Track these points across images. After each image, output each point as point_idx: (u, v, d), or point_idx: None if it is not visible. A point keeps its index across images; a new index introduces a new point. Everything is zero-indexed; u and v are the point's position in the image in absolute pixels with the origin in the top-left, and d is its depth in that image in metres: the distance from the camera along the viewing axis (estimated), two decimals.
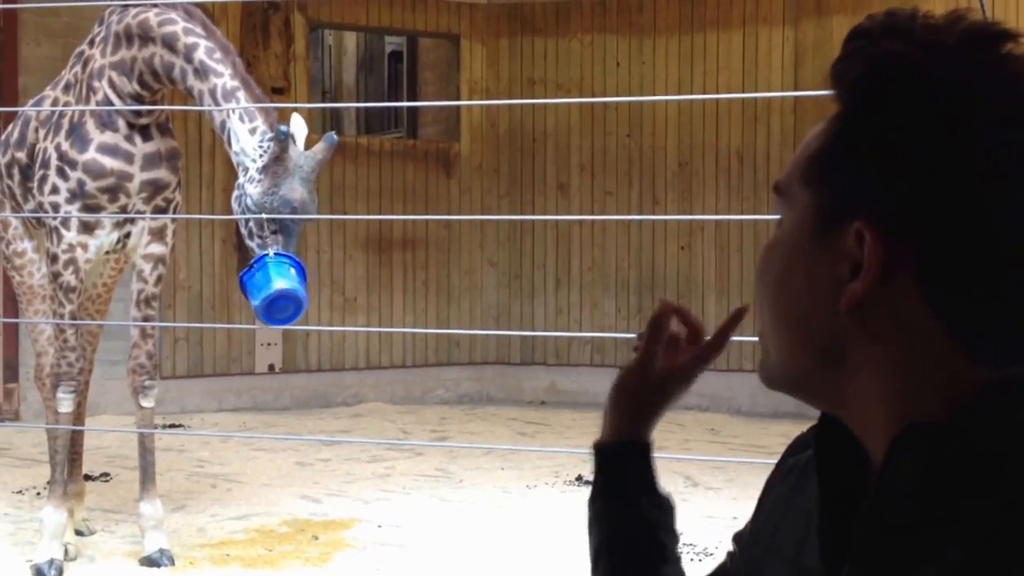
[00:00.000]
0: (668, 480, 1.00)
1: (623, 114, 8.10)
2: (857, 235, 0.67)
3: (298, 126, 3.89)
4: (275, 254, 3.74)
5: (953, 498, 0.63)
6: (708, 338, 0.98)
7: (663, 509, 0.99)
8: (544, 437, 6.84)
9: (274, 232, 3.75)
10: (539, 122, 8.24)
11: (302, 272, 3.82)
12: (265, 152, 3.77)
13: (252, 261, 3.78)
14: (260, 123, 3.85)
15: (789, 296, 0.72)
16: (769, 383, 0.75)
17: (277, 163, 3.75)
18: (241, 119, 3.86)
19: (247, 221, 3.80)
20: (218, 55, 3.96)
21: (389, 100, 9.82)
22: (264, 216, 3.74)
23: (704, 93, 7.94)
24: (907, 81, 0.67)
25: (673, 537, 1.00)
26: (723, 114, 7.91)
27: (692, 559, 4.25)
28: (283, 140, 3.74)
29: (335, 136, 3.97)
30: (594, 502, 1.00)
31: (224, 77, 3.90)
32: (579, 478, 5.60)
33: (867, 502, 0.67)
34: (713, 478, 5.58)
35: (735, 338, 0.98)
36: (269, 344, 7.49)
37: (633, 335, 1.04)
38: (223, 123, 3.91)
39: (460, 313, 8.21)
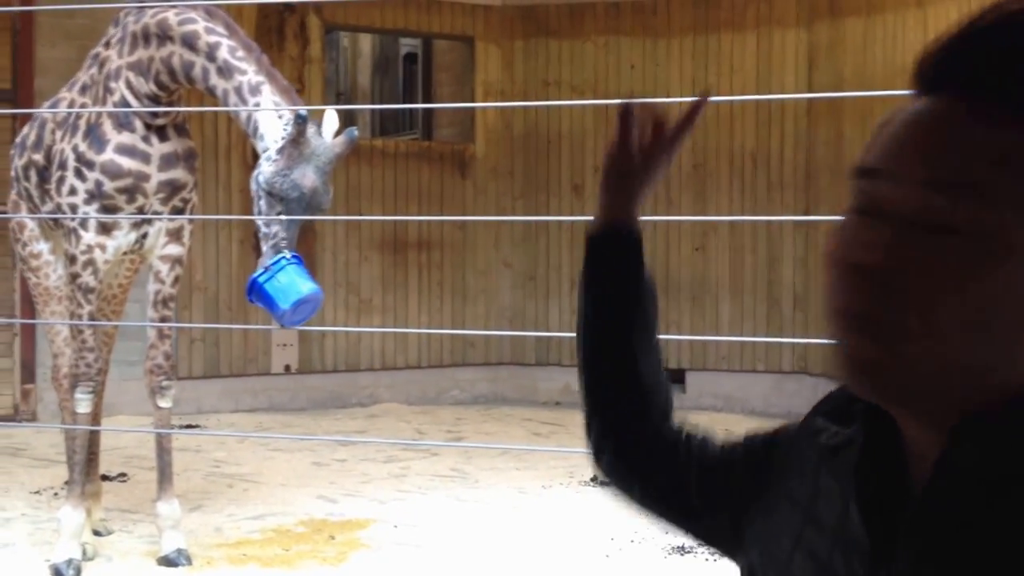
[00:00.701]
0: None
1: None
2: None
3: (330, 120, 3.91)
4: (293, 256, 3.76)
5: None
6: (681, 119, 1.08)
7: (646, 283, 1.10)
8: (559, 437, 6.84)
9: (279, 213, 3.77)
10: (554, 124, 8.25)
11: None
12: (286, 135, 3.80)
13: (268, 264, 3.77)
14: (287, 110, 3.87)
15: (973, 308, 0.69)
16: (918, 397, 0.71)
17: (294, 146, 3.76)
18: (269, 106, 3.88)
19: (258, 199, 3.82)
20: (241, 53, 3.97)
21: (404, 102, 9.85)
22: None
23: (718, 95, 7.94)
24: None
25: (652, 303, 1.11)
26: (737, 115, 7.91)
27: (707, 559, 4.25)
28: (301, 123, 3.75)
29: (355, 132, 3.98)
30: (584, 273, 1.11)
31: (248, 74, 3.93)
32: (594, 478, 5.60)
33: (934, 476, 0.70)
34: None
35: (749, 339, 0.99)
36: (285, 345, 7.52)
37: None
38: (249, 116, 3.93)
39: (475, 314, 8.22)
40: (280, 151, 3.77)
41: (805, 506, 0.84)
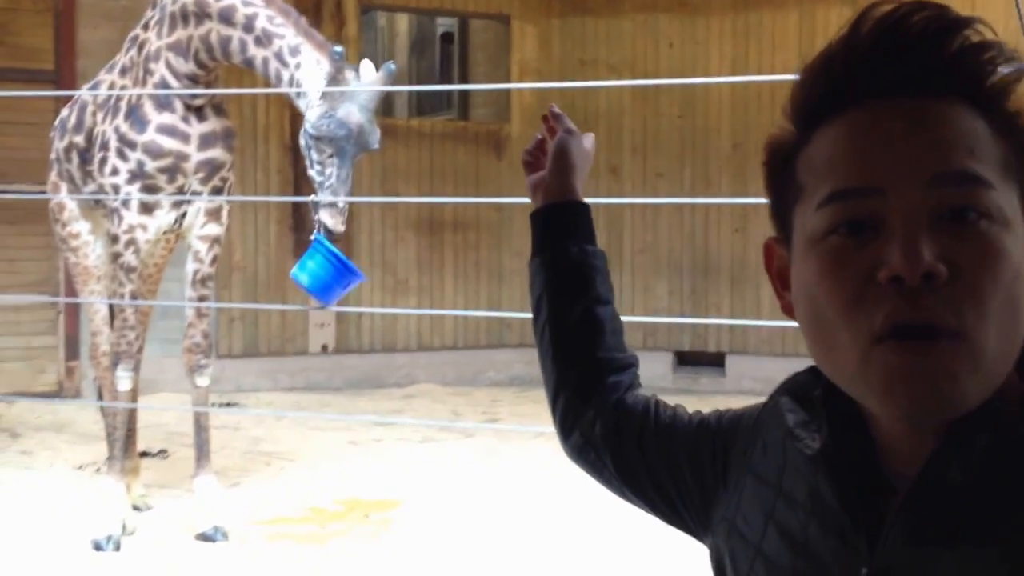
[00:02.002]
0: None
1: (676, 94, 8.02)
2: None
3: (367, 70, 3.93)
4: (316, 240, 3.82)
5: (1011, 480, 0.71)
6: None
7: (595, 255, 1.14)
8: None
9: (330, 156, 3.81)
10: (591, 103, 8.19)
11: (340, 264, 3.88)
12: (325, 76, 3.84)
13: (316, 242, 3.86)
14: (328, 65, 3.89)
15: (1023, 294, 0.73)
16: (969, 403, 0.72)
17: (335, 86, 3.79)
18: (310, 63, 3.91)
19: (308, 151, 3.86)
20: (279, 20, 4.00)
21: (441, 82, 9.83)
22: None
23: (759, 73, 7.83)
24: None
25: (605, 280, 1.14)
26: (779, 94, 7.72)
27: None
28: (338, 60, 3.80)
29: (392, 66, 4.02)
30: (533, 259, 1.17)
31: (287, 37, 3.97)
32: None
33: (928, 466, 0.73)
34: None
35: (791, 323, 0.99)
36: (322, 325, 7.57)
37: (687, 319, 1.13)
38: (291, 78, 3.95)
39: (511, 295, 8.21)
40: (322, 95, 3.81)
41: (774, 483, 0.85)
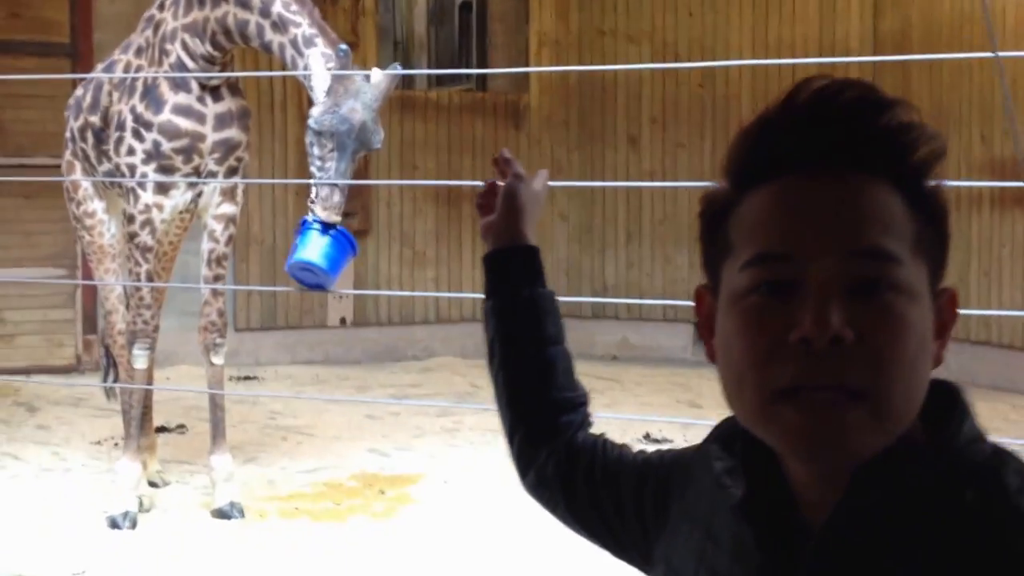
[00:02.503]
0: None
1: (695, 67, 7.90)
2: (949, 299, 0.82)
3: (376, 78, 3.94)
4: (314, 219, 3.82)
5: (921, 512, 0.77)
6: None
7: (544, 297, 1.20)
8: (614, 393, 6.80)
9: (331, 151, 3.84)
10: (609, 73, 8.10)
11: (347, 240, 3.86)
12: (331, 71, 3.86)
13: (299, 222, 3.89)
14: (334, 62, 3.91)
15: (925, 357, 0.79)
16: (867, 453, 0.78)
17: (339, 83, 3.81)
18: (319, 61, 3.92)
19: (311, 147, 3.88)
20: (295, 7, 4.01)
21: (459, 52, 9.76)
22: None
23: (779, 41, 7.71)
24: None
25: (556, 320, 1.20)
26: (799, 70, 7.67)
27: None
28: (343, 57, 3.83)
29: (399, 66, 4.04)
30: (485, 302, 1.21)
31: (303, 26, 3.96)
32: (647, 436, 5.57)
33: (835, 513, 0.79)
34: None
35: None
36: (341, 297, 7.57)
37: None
38: (305, 67, 3.96)
39: None
40: (327, 91, 3.84)
41: (704, 525, 0.90)
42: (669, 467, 1.01)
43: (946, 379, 0.82)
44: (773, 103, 0.81)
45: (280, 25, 3.98)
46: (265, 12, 4.01)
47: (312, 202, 3.88)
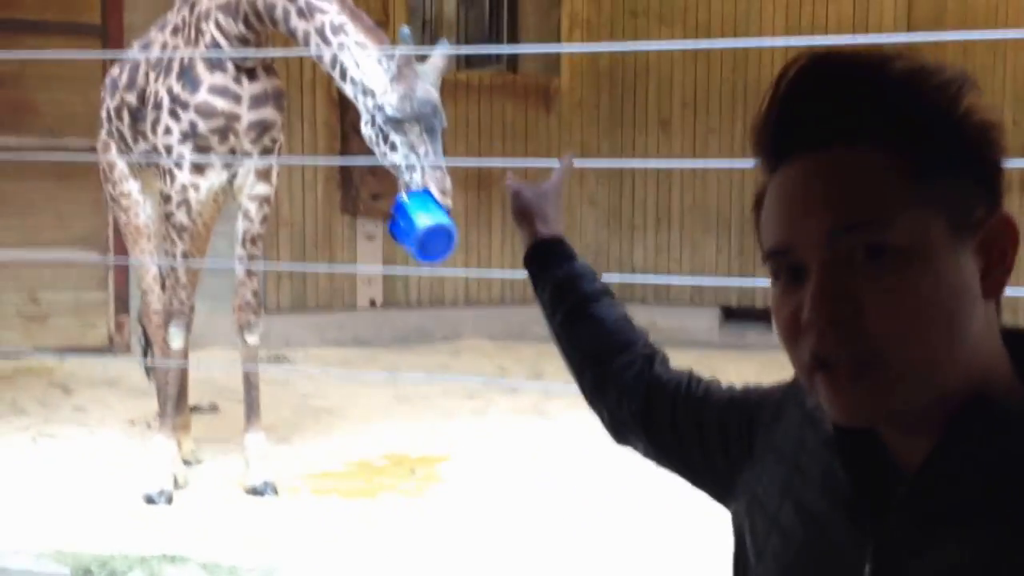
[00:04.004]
0: None
1: (727, 47, 7.85)
2: (999, 225, 0.81)
3: (434, 58, 3.90)
4: (408, 195, 3.71)
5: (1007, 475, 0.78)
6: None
7: (576, 267, 1.36)
8: None
9: (419, 135, 3.75)
10: (640, 56, 8.05)
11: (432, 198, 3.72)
12: (390, 68, 3.78)
13: (392, 210, 3.75)
14: (375, 49, 3.86)
15: (950, 305, 0.80)
16: (902, 404, 0.81)
17: (408, 67, 3.76)
18: (357, 48, 3.86)
19: (388, 136, 3.77)
20: None
21: (490, 32, 9.72)
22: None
23: (812, 22, 7.64)
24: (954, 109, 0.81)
25: (592, 280, 1.34)
26: (834, 44, 7.59)
27: None
28: (406, 40, 3.79)
29: (447, 42, 3.99)
30: (535, 290, 1.39)
31: (330, 13, 3.92)
32: None
33: (932, 457, 0.81)
34: None
35: None
36: (370, 279, 7.59)
37: (734, 281, 1.25)
38: (334, 58, 3.91)
39: None
40: (394, 79, 3.76)
41: (792, 459, 0.93)
42: (757, 402, 1.04)
43: None
44: (765, 91, 0.84)
45: (306, 12, 3.93)
46: None
47: (408, 183, 3.73)
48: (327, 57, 3.94)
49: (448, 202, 3.74)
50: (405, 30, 3.84)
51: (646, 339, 1.28)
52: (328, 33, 3.91)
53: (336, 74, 3.94)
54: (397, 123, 3.75)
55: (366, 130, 3.88)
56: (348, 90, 3.92)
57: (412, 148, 3.75)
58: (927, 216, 0.79)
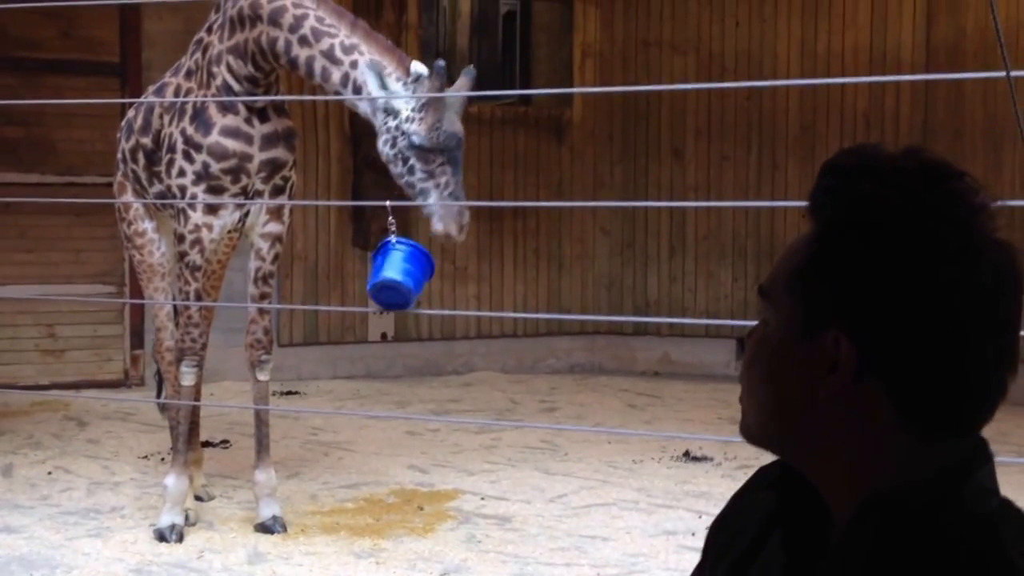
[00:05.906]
0: None
1: (742, 75, 7.85)
2: (835, 340, 0.85)
3: (417, 68, 3.94)
4: (397, 241, 3.80)
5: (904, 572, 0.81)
6: None
7: None
8: (655, 410, 6.77)
9: (440, 165, 3.83)
10: (654, 84, 8.06)
11: (425, 257, 3.85)
12: (416, 90, 3.84)
13: (379, 244, 3.85)
14: (394, 69, 3.91)
15: (777, 384, 0.89)
16: (749, 439, 0.93)
17: (437, 99, 3.80)
18: (371, 67, 3.90)
19: (407, 161, 3.85)
20: (329, 20, 4.03)
21: (503, 62, 9.76)
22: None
23: (828, 52, 7.63)
24: (884, 222, 0.83)
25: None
26: (848, 73, 7.57)
27: None
28: (441, 73, 3.84)
29: (473, 69, 4.04)
30: None
31: (339, 36, 3.98)
32: (686, 454, 5.53)
33: (826, 563, 0.85)
34: None
35: None
36: (381, 313, 7.61)
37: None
38: (345, 76, 3.95)
39: (571, 282, 8.17)
40: (422, 108, 3.82)
41: (738, 546, 0.97)
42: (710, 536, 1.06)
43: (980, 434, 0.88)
44: None
45: (312, 38, 3.99)
46: (294, 28, 4.03)
47: (391, 225, 3.84)
48: (336, 76, 3.98)
49: (461, 237, 3.82)
50: (440, 63, 3.88)
51: None
52: (339, 53, 3.97)
53: (348, 92, 3.98)
54: (421, 151, 3.81)
55: (384, 148, 3.92)
56: (363, 107, 3.96)
57: (431, 176, 3.81)
58: (793, 302, 0.89)
